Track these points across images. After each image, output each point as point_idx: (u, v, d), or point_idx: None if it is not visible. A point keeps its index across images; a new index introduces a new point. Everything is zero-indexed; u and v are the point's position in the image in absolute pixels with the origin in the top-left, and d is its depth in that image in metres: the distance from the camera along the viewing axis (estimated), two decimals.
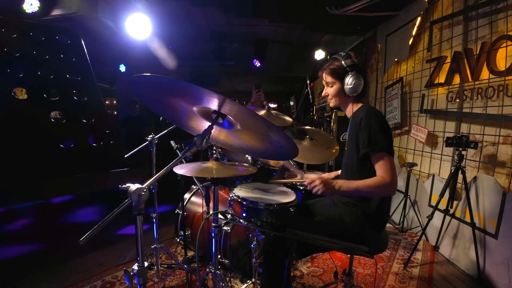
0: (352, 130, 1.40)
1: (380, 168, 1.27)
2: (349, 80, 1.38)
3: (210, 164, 1.42)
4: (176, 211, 2.21)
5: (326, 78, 1.46)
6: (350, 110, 1.48)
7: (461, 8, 2.57)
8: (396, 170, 1.30)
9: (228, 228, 1.57)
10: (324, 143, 2.13)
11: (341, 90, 1.43)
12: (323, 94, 1.52)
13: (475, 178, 2.30)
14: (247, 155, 2.26)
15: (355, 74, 1.37)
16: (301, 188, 1.93)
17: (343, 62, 1.39)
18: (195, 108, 1.13)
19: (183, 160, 1.03)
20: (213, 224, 1.38)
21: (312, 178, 1.30)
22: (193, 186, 2.29)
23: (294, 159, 2.28)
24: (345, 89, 1.40)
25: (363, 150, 1.30)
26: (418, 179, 3.16)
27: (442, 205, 2.40)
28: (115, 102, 7.70)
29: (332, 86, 1.46)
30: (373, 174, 1.30)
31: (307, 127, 2.27)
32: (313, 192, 1.29)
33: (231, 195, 1.75)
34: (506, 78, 2.08)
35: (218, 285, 1.39)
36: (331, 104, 1.52)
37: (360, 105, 1.46)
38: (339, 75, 1.41)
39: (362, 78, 1.38)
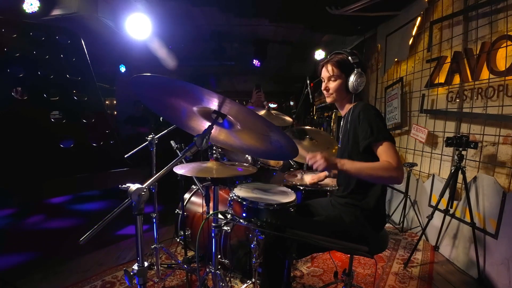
0: (349, 126, 1.38)
1: (384, 155, 1.23)
2: (354, 77, 1.37)
3: (210, 164, 1.42)
4: (176, 211, 2.21)
5: (332, 70, 1.41)
6: (346, 108, 1.48)
7: (461, 8, 2.57)
8: (399, 158, 1.27)
9: (228, 228, 1.57)
10: (324, 143, 2.13)
11: (344, 85, 1.41)
12: (322, 87, 1.48)
13: (475, 178, 2.30)
14: (247, 155, 2.26)
15: (360, 71, 1.37)
16: (301, 188, 1.93)
17: (349, 58, 1.38)
18: (195, 108, 1.13)
19: (183, 160, 1.03)
20: (213, 224, 1.38)
21: (313, 154, 1.25)
22: (193, 186, 2.29)
23: (294, 159, 2.29)
24: (349, 84, 1.38)
25: (365, 141, 1.27)
26: (418, 179, 3.16)
27: (442, 205, 2.40)
28: (115, 102, 7.69)
29: (335, 80, 1.42)
30: None
31: (307, 127, 2.27)
32: (314, 167, 1.24)
33: (231, 195, 1.75)
34: (506, 78, 2.08)
35: (218, 285, 1.39)
36: (329, 100, 1.49)
37: (354, 103, 1.45)
38: (345, 69, 1.39)
39: (365, 77, 1.38)
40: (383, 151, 1.24)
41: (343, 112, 1.51)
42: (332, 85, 1.43)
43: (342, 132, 1.49)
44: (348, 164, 1.24)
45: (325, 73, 1.45)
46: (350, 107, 1.44)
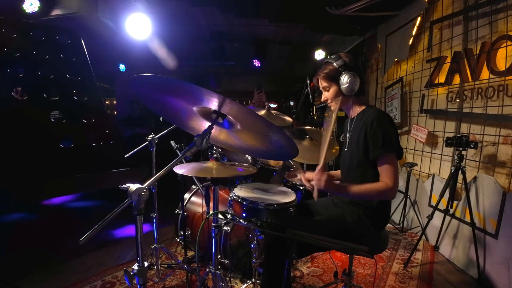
0: (359, 131, 1.38)
1: (384, 172, 1.27)
2: (343, 80, 1.38)
3: (210, 164, 1.42)
4: (176, 211, 2.21)
5: (322, 83, 1.47)
6: (354, 111, 1.48)
7: (461, 8, 2.57)
8: (398, 173, 1.31)
9: (228, 228, 1.57)
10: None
11: (338, 91, 1.43)
12: (322, 99, 1.52)
13: (475, 178, 2.30)
14: (247, 155, 2.26)
15: (348, 72, 1.37)
16: (301, 188, 1.92)
17: (334, 64, 1.40)
18: (195, 108, 1.13)
19: (183, 160, 1.03)
20: (213, 224, 1.38)
21: (322, 172, 1.27)
22: (193, 186, 2.29)
23: (294, 159, 2.29)
24: (342, 89, 1.40)
25: (376, 151, 1.29)
26: (418, 179, 3.16)
27: (442, 205, 2.40)
28: (115, 102, 7.70)
29: (329, 90, 1.46)
30: (374, 175, 1.31)
31: (307, 127, 2.27)
32: (313, 183, 1.28)
33: (231, 195, 1.75)
34: (506, 78, 2.08)
35: (218, 285, 1.39)
36: (333, 108, 1.51)
37: (364, 106, 1.46)
38: (333, 78, 1.42)
39: (357, 76, 1.38)
40: (384, 168, 1.28)
41: (351, 115, 1.51)
42: (328, 94, 1.47)
43: (350, 136, 1.49)
44: (346, 189, 1.29)
45: (319, 86, 1.51)
46: (359, 110, 1.45)
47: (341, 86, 1.39)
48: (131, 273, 0.88)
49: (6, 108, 2.65)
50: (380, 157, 1.29)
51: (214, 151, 1.69)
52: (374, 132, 1.30)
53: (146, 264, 0.91)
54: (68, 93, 3.08)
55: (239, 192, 1.72)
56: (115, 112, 7.36)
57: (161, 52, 4.88)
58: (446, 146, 2.33)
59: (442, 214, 2.42)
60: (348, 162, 1.47)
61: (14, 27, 2.78)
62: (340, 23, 3.82)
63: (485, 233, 2.15)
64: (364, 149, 1.35)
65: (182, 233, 2.07)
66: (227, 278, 1.84)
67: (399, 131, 3.58)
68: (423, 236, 2.67)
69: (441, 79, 2.77)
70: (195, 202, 2.21)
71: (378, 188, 1.26)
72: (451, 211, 2.38)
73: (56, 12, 3.47)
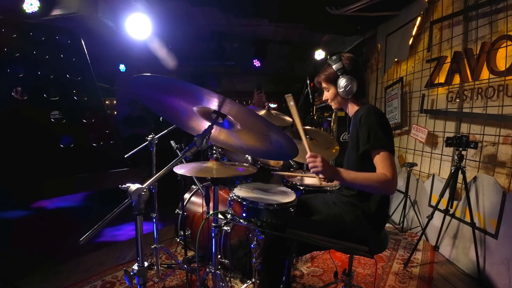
0: (353, 129, 1.42)
1: (380, 165, 1.26)
2: (340, 84, 1.41)
3: (210, 164, 1.42)
4: (176, 211, 2.21)
5: (322, 84, 1.52)
6: (351, 110, 1.51)
7: (461, 8, 2.57)
8: (396, 169, 1.30)
9: (228, 228, 1.57)
10: (324, 143, 2.13)
11: (336, 93, 1.47)
12: (323, 98, 1.56)
13: (475, 178, 2.30)
14: (247, 155, 2.26)
15: (345, 77, 1.40)
16: (301, 188, 1.92)
17: (333, 67, 1.43)
18: (195, 108, 1.13)
19: (183, 160, 1.03)
20: (213, 224, 1.38)
21: (315, 154, 1.28)
22: (193, 186, 2.29)
23: (294, 159, 2.29)
24: (339, 92, 1.44)
25: (363, 147, 1.31)
26: (418, 179, 3.16)
27: (442, 205, 2.40)
28: (115, 102, 7.70)
29: (328, 91, 1.51)
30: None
31: (307, 127, 2.27)
32: (310, 167, 1.27)
33: (231, 195, 1.75)
34: (506, 78, 2.08)
35: (218, 285, 1.39)
36: (333, 107, 1.56)
37: (360, 105, 1.48)
38: (332, 80, 1.46)
39: (354, 80, 1.40)
40: (379, 161, 1.27)
41: (350, 115, 1.55)
42: (328, 94, 1.52)
43: (350, 134, 1.53)
44: (344, 173, 1.28)
45: (321, 86, 1.55)
46: (356, 109, 1.47)
47: (338, 90, 1.44)
48: (131, 273, 0.88)
49: (6, 108, 2.65)
50: (369, 152, 1.30)
51: (214, 151, 1.69)
52: (361, 127, 1.32)
53: (146, 264, 0.91)
54: (68, 93, 3.07)
55: (239, 192, 1.72)
56: (115, 112, 7.36)
57: (161, 52, 4.88)
58: (446, 146, 2.33)
59: (442, 214, 2.42)
60: (347, 161, 1.49)
61: (14, 27, 2.78)
62: (340, 23, 3.82)
63: (485, 233, 2.15)
64: (356, 144, 1.37)
65: (182, 233, 2.08)
66: (227, 278, 1.84)
67: (399, 131, 3.58)
68: (423, 236, 2.67)
69: (441, 79, 2.78)
70: (195, 202, 2.21)
71: (378, 177, 1.23)
72: (451, 211, 2.38)
73: (56, 12, 3.47)
